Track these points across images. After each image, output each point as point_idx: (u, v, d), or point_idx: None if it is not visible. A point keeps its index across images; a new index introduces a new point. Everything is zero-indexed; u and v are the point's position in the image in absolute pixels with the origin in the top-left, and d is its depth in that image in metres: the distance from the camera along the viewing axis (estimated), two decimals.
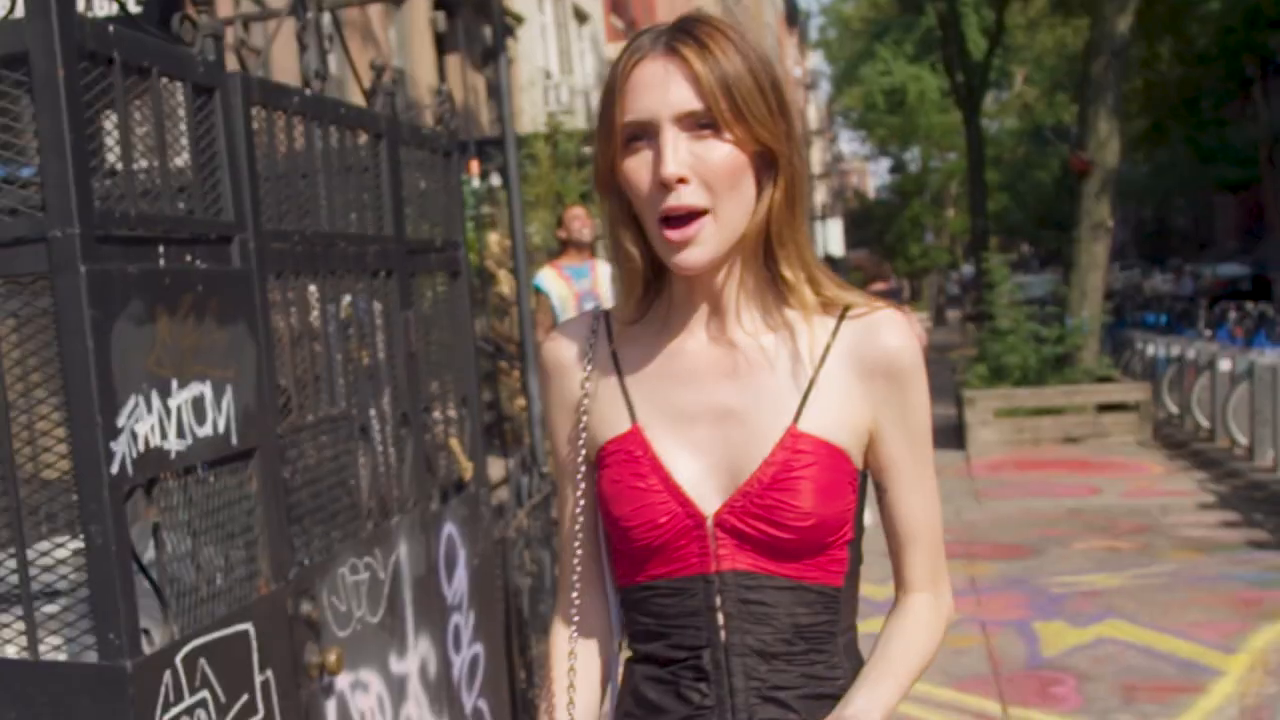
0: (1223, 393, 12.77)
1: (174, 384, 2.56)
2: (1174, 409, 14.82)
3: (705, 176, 1.68)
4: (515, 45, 20.86)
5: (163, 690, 2.44)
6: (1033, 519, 10.06)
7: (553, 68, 23.75)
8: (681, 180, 1.67)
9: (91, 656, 2.41)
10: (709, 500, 1.76)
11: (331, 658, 3.06)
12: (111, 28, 2.48)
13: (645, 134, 1.70)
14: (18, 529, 2.45)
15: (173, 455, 2.55)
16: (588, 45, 26.16)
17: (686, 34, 1.70)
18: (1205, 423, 13.50)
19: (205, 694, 2.59)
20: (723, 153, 1.68)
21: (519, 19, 20.46)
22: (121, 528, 2.36)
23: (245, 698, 2.74)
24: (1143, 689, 5.92)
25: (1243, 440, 12.19)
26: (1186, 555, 8.55)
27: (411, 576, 3.69)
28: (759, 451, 1.74)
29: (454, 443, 4.23)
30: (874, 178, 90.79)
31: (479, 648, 4.24)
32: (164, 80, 2.64)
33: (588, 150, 13.74)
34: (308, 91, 3.30)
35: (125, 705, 2.36)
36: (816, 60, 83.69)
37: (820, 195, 70.87)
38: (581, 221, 8.60)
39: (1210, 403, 13.28)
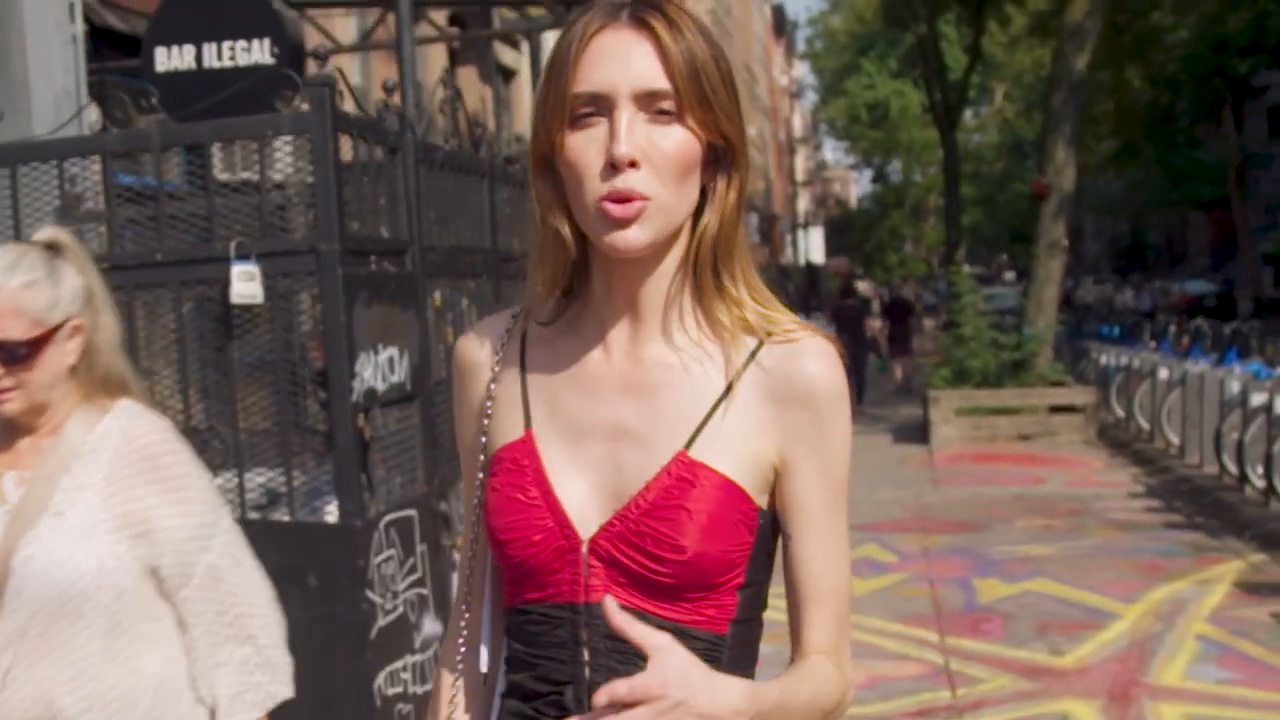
0: (1160, 398, 14.19)
1: (380, 347, 3.93)
2: (1121, 412, 16.22)
3: (657, 163, 1.53)
4: (519, 58, 22.15)
5: (374, 544, 3.80)
6: (982, 502, 11.44)
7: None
8: (633, 163, 1.51)
9: (332, 519, 3.78)
10: (589, 523, 1.60)
11: (458, 542, 4.41)
12: (352, 113, 3.84)
13: (597, 108, 1.54)
14: (285, 451, 3.82)
15: (379, 393, 3.91)
16: None
17: (654, 8, 1.56)
18: (1145, 425, 14.90)
19: (393, 551, 3.94)
20: (678, 139, 1.54)
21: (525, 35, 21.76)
22: (356, 436, 3.72)
23: (412, 560, 4.09)
24: (1055, 626, 7.30)
25: (1175, 440, 13.59)
26: (1110, 533, 9.95)
27: None
28: (644, 475, 1.59)
29: None
30: (856, 186, 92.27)
31: None
32: (375, 147, 4.00)
33: None
34: (447, 147, 4.67)
35: (355, 550, 3.72)
36: (802, 70, 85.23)
37: (803, 203, 72.32)
38: None
39: (1150, 407, 14.69)
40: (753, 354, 1.64)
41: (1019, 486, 12.30)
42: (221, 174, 4.40)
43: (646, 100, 1.53)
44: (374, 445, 3.90)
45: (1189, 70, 34.65)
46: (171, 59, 6.33)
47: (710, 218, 1.60)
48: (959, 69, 36.22)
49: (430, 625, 4.21)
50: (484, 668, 1.75)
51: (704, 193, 1.61)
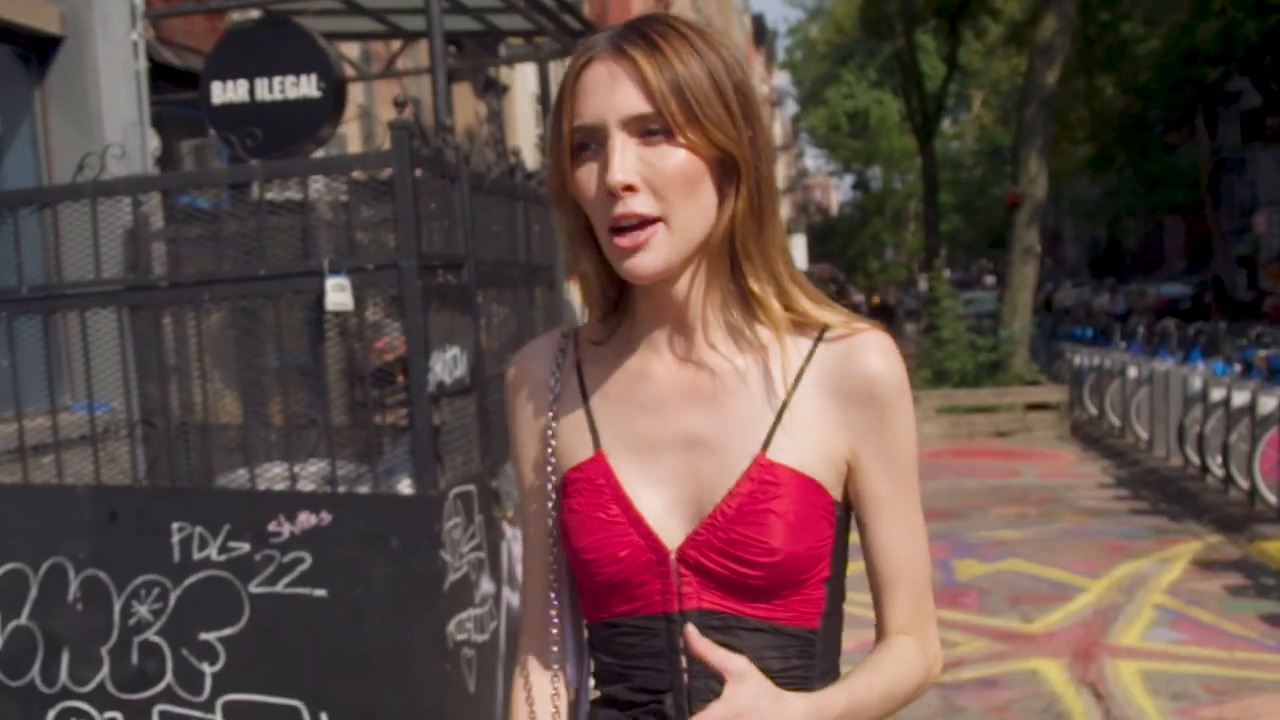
0: (1129, 395, 14.96)
1: (447, 346, 4.64)
2: (1093, 410, 17.00)
3: (656, 183, 1.57)
4: (512, 74, 22.86)
5: (445, 511, 4.51)
6: (961, 493, 12.19)
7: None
8: (629, 188, 1.56)
9: (409, 491, 4.49)
10: (673, 534, 1.64)
11: (510, 514, 5.13)
12: (424, 150, 4.55)
13: (594, 140, 1.60)
14: (370, 437, 4.53)
15: (446, 385, 4.62)
16: None
17: (636, 33, 1.61)
18: (1116, 421, 15.68)
19: (459, 519, 4.65)
20: (676, 159, 1.57)
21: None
22: (431, 422, 4.43)
23: (471, 527, 4.80)
24: (1026, 599, 8.04)
25: (1144, 435, 14.36)
26: (1079, 518, 10.71)
27: None
28: (725, 482, 1.64)
29: None
30: (837, 192, 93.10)
31: None
32: (440, 177, 4.72)
33: None
34: (491, 175, 5.38)
35: (431, 516, 4.42)
36: (783, 79, 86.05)
37: (785, 210, 73.14)
38: None
39: (1120, 404, 15.47)
40: (810, 352, 1.68)
41: (996, 479, 13.06)
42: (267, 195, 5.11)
43: (635, 125, 1.58)
44: (442, 429, 4.60)
45: (1160, 79, 35.51)
46: (226, 92, 7.06)
47: (717, 226, 1.63)
48: (936, 78, 37.04)
49: (486, 584, 4.91)
50: (574, 683, 1.81)
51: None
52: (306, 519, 4.50)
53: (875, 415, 1.67)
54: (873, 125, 50.60)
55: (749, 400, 1.67)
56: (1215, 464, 11.29)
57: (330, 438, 4.57)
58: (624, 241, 1.58)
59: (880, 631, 1.76)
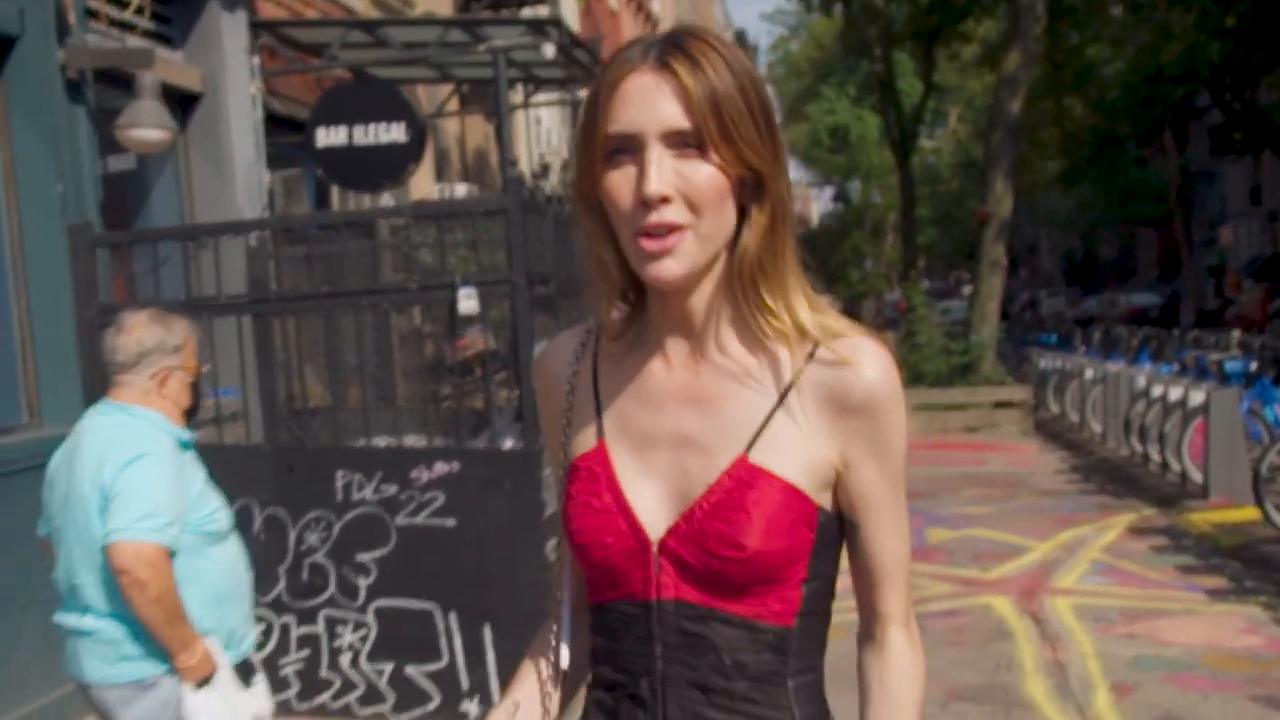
0: (1086, 393, 16.60)
1: (540, 341, 6.22)
2: (1056, 409, 18.63)
3: (689, 195, 1.62)
4: (517, 98, 24.43)
5: (543, 462, 6.07)
6: (935, 479, 13.77)
7: (541, 110, 27.26)
8: (664, 199, 1.61)
9: (517, 447, 6.07)
10: (658, 526, 1.72)
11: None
12: (527, 193, 6.13)
13: (629, 148, 1.63)
14: (489, 408, 6.11)
15: None
16: None
17: (678, 48, 1.64)
18: (1075, 417, 17.31)
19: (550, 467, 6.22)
20: (707, 173, 1.62)
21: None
22: (533, 398, 6.01)
23: (545, 478, 6.36)
24: (985, 556, 9.64)
25: (1098, 429, 15.99)
26: (1035, 498, 12.32)
27: None
28: (707, 479, 1.70)
29: None
30: (817, 203, 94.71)
31: None
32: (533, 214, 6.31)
33: None
34: (553, 209, 6.97)
35: (534, 466, 6.00)
36: None
37: None
38: None
39: (1078, 402, 17.10)
40: (807, 360, 1.72)
41: (966, 467, 14.65)
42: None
43: (673, 138, 1.62)
44: None
45: (1127, 98, 37.10)
46: (329, 137, 8.67)
47: (747, 240, 1.68)
48: (915, 95, 38.67)
49: None
50: (564, 664, 1.91)
51: (745, 215, 1.69)
52: (441, 467, 6.06)
53: (868, 422, 1.71)
54: (853, 141, 52.27)
55: (741, 405, 1.73)
56: (1154, 451, 12.90)
57: (459, 411, 6.15)
58: (652, 245, 1.63)
59: (873, 618, 1.82)
